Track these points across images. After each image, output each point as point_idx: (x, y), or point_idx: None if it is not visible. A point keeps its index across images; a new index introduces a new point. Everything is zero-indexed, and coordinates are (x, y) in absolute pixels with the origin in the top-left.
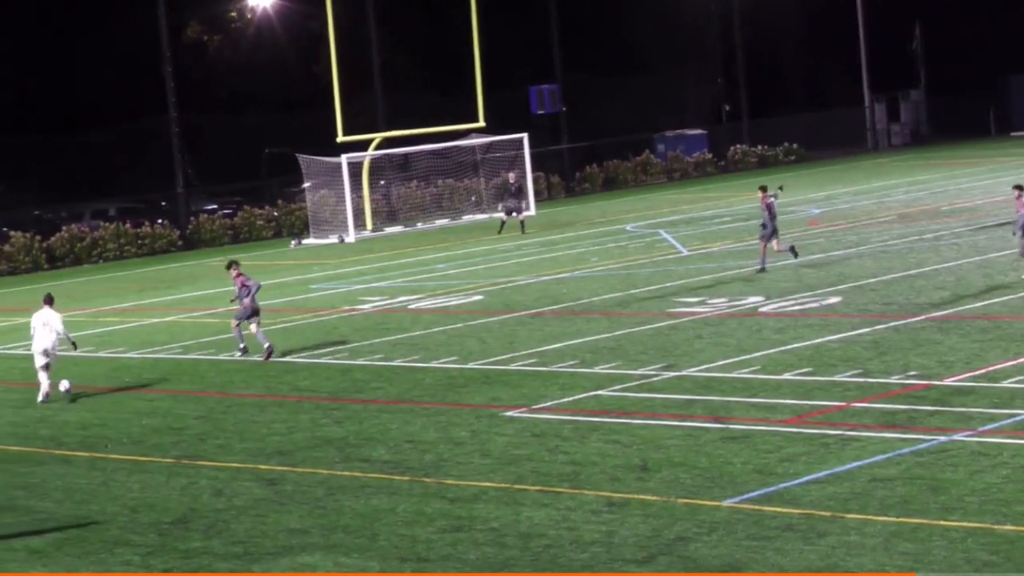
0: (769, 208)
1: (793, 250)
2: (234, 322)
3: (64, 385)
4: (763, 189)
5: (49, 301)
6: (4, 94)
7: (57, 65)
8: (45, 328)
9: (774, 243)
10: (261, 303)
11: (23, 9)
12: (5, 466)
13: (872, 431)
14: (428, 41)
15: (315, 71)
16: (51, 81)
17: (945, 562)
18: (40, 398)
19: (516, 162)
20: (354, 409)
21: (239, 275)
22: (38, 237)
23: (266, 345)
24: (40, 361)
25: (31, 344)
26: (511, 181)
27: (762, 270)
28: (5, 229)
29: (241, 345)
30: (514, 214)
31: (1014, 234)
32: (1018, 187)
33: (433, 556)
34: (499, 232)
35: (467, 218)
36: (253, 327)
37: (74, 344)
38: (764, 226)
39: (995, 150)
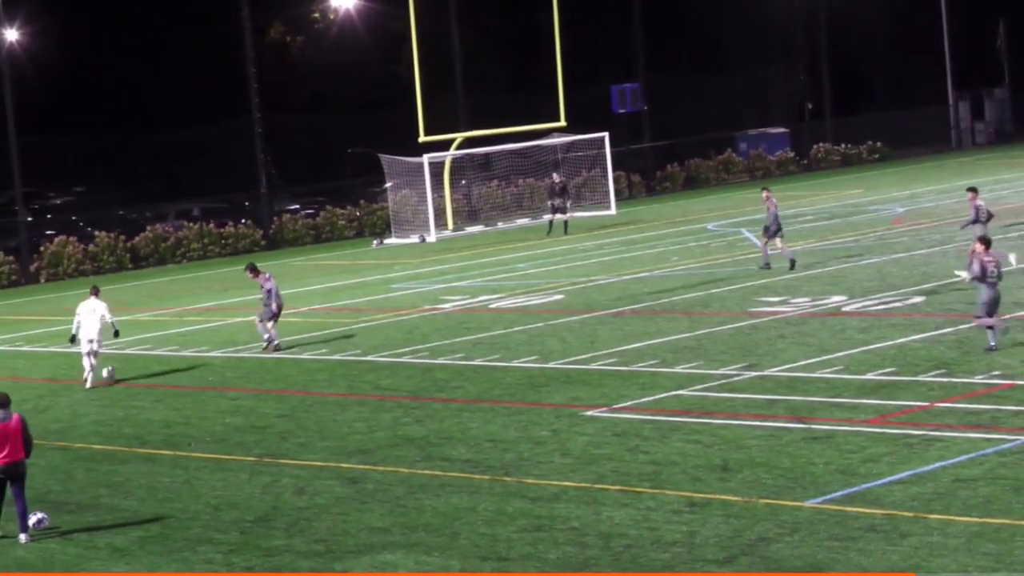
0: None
1: (792, 262)
2: (259, 321)
3: (106, 372)
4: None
5: (95, 292)
6: (89, 96)
7: (142, 66)
8: (92, 315)
9: (777, 241)
10: (343, 302)
11: (108, 12)
12: (89, 464)
13: (956, 431)
14: (510, 40)
15: (397, 71)
16: (136, 82)
17: None
18: (88, 384)
19: (562, 163)
20: (435, 408)
21: (260, 276)
22: (122, 237)
23: (276, 342)
24: (86, 348)
25: (74, 329)
26: (556, 181)
27: (767, 266)
28: (90, 229)
29: (266, 336)
30: (559, 215)
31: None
32: (972, 189)
33: (514, 555)
34: (547, 234)
35: (547, 217)
36: (270, 324)
37: (117, 332)
38: (767, 228)
39: None
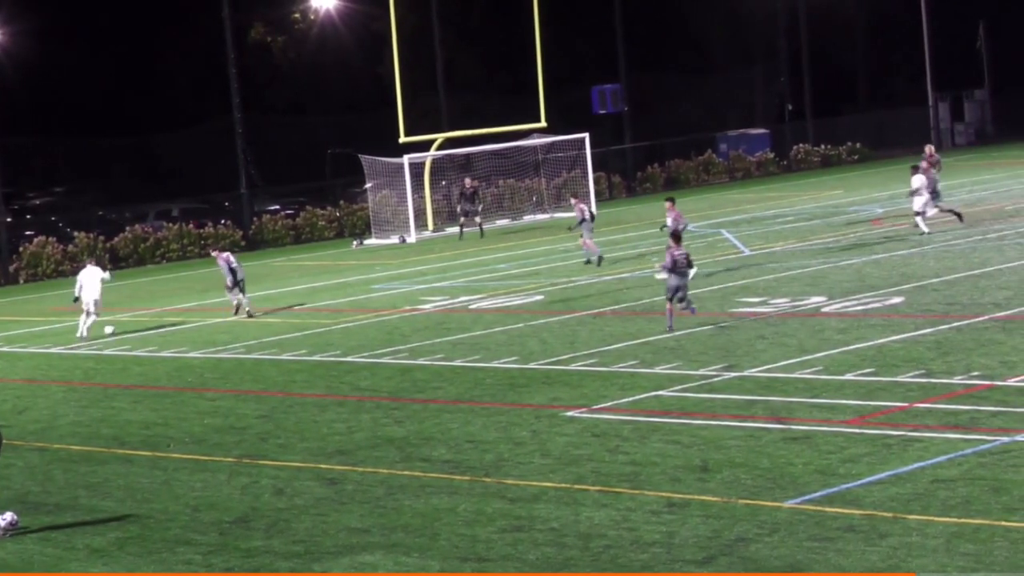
0: (676, 220)
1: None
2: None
3: (108, 329)
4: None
5: (93, 261)
6: (69, 96)
7: (123, 66)
8: (93, 279)
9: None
10: (323, 303)
11: (90, 12)
12: (67, 465)
13: (934, 432)
14: (492, 41)
15: (379, 72)
16: (116, 82)
17: (1007, 563)
18: (82, 334)
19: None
20: (415, 409)
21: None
22: (102, 237)
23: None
24: (91, 307)
25: (77, 291)
26: (467, 186)
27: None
28: (69, 229)
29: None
30: (468, 217)
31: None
32: (670, 199)
33: (493, 556)
34: (460, 238)
35: (528, 218)
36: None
37: (109, 277)
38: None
39: None
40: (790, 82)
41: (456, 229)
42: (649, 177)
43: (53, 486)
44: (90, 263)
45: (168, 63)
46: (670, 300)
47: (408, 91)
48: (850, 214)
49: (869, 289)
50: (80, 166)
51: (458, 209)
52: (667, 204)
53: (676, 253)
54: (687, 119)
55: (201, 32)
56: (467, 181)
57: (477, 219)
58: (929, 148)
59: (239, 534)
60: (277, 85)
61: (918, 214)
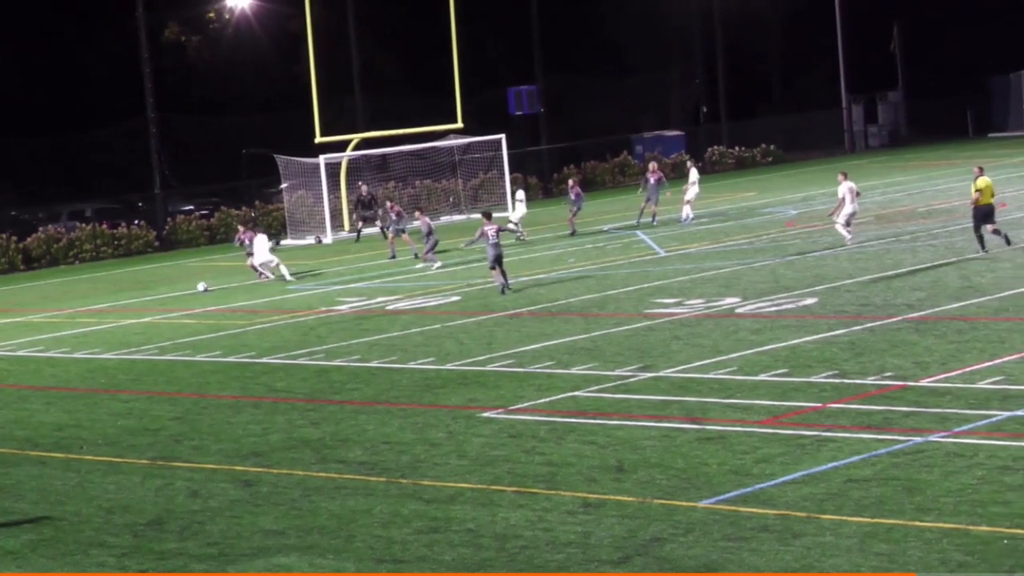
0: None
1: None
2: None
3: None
4: (487, 216)
5: (260, 229)
6: None
7: (34, 66)
8: (260, 245)
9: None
10: (239, 304)
11: (1, 11)
12: None
13: (848, 432)
14: (409, 42)
15: (295, 72)
16: (29, 81)
17: (920, 563)
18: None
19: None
20: (330, 410)
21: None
22: (14, 238)
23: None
24: (266, 268)
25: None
26: (363, 193)
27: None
28: None
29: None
30: (366, 223)
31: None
32: (487, 214)
33: (409, 557)
34: (357, 240)
35: (445, 219)
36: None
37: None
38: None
39: (973, 151)
40: (705, 84)
41: (373, 232)
42: (565, 179)
43: None
44: (259, 231)
45: (82, 62)
46: (492, 268)
47: (324, 91)
48: (764, 216)
49: (783, 290)
50: None
51: (354, 216)
52: (484, 219)
53: (487, 228)
54: (603, 121)
55: (115, 31)
56: (363, 188)
57: (376, 225)
58: None
59: (153, 536)
60: (192, 85)
61: (839, 223)
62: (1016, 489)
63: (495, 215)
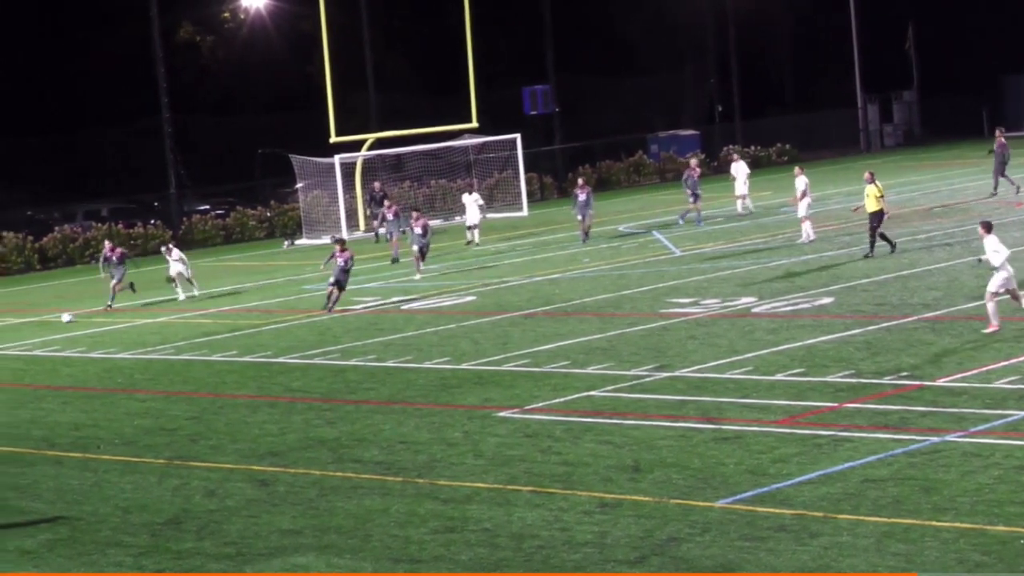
0: (423, 229)
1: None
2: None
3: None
4: (340, 242)
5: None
6: None
7: (51, 66)
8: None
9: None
10: (254, 304)
11: (16, 10)
12: None
13: (864, 432)
14: (422, 42)
15: (309, 72)
16: (45, 82)
17: (937, 563)
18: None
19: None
20: (347, 410)
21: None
22: (30, 238)
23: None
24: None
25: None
26: (376, 190)
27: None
28: None
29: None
30: (380, 220)
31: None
32: (339, 240)
33: (426, 557)
34: (376, 240)
35: (459, 219)
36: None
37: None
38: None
39: (988, 150)
40: (719, 83)
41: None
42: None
43: None
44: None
45: (96, 62)
46: (331, 286)
47: (338, 91)
48: (780, 215)
49: (799, 290)
50: (8, 166)
51: (368, 212)
52: (338, 247)
53: (338, 256)
54: (616, 121)
55: (129, 31)
56: (376, 185)
57: (375, 224)
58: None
59: (170, 536)
60: (206, 85)
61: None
62: None
63: (503, 215)
